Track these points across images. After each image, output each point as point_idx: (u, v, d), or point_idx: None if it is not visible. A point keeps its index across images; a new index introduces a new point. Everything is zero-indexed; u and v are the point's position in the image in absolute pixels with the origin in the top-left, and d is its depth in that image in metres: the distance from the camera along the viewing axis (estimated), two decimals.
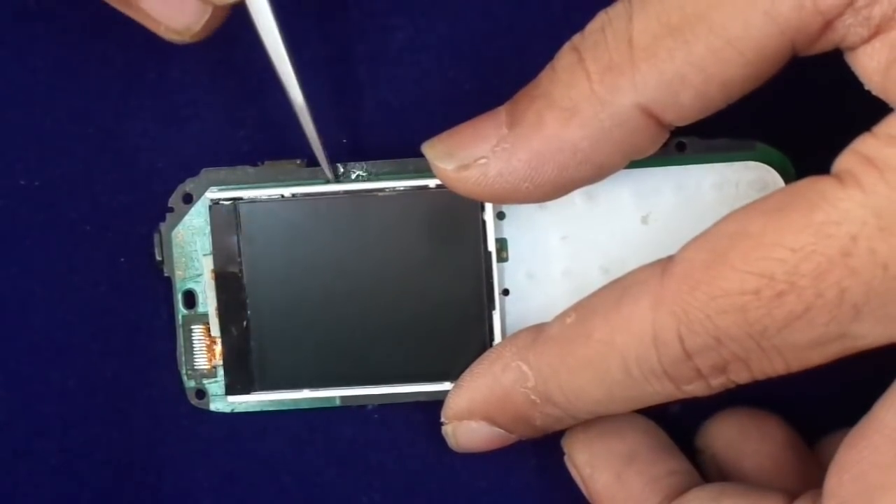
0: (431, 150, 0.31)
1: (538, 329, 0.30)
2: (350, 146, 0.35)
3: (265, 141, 0.35)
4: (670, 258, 0.28)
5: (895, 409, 0.27)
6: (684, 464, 0.32)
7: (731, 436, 0.33)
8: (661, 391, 0.29)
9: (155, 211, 0.35)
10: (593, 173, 0.30)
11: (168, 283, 0.34)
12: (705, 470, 0.33)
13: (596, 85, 0.29)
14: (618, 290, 0.29)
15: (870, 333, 0.27)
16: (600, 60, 0.29)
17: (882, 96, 0.28)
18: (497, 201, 0.32)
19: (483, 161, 0.30)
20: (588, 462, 0.32)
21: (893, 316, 0.26)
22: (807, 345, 0.27)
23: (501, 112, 0.30)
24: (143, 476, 0.34)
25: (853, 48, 0.28)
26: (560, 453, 0.33)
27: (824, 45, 0.28)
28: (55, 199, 0.35)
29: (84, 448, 0.34)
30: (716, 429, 0.33)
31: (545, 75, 0.30)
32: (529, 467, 0.34)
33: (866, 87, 0.28)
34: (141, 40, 0.36)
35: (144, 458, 0.34)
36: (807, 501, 0.29)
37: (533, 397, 0.30)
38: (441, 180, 0.31)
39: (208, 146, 0.35)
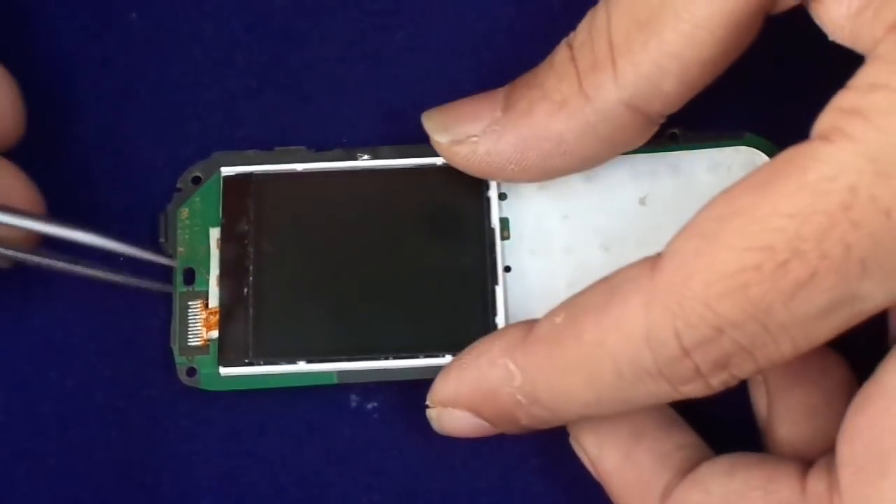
0: (430, 121, 0.33)
1: (528, 326, 0.30)
2: (350, 146, 0.35)
3: (265, 141, 0.35)
4: (659, 253, 0.27)
5: None
6: (693, 437, 0.31)
7: (789, 362, 0.31)
8: (655, 393, 0.28)
9: (155, 210, 0.35)
10: (578, 164, 0.31)
11: (167, 280, 0.34)
12: (753, 393, 0.32)
13: (582, 81, 0.30)
14: (607, 288, 0.28)
15: (877, 292, 0.26)
16: (586, 58, 0.30)
17: (849, 43, 0.27)
18: (485, 177, 0.33)
19: (474, 139, 0.32)
20: (595, 443, 0.31)
21: None
22: (815, 315, 0.26)
23: (500, 94, 0.32)
24: (143, 476, 0.34)
25: None
26: (560, 453, 0.33)
27: None
28: (55, 199, 0.35)
29: (83, 448, 0.34)
30: None
31: (542, 67, 0.32)
32: (530, 467, 0.34)
33: (831, 38, 0.28)
34: (141, 40, 0.36)
35: (144, 458, 0.34)
36: (822, 470, 0.28)
37: (519, 397, 0.29)
38: (436, 150, 0.33)
39: (208, 146, 0.35)
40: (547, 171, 0.32)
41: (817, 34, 0.29)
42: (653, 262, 0.27)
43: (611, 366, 0.28)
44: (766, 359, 0.27)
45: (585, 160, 0.31)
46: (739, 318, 0.26)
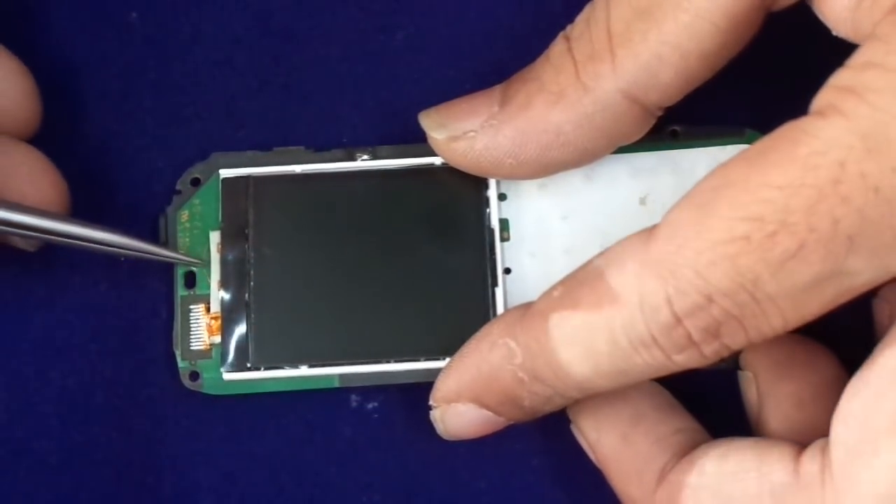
0: (427, 119, 0.33)
1: (526, 305, 0.30)
2: (350, 146, 0.35)
3: (264, 141, 0.35)
4: (655, 225, 0.28)
5: (893, 353, 0.27)
6: (690, 422, 0.32)
7: (778, 357, 0.32)
8: (650, 362, 0.28)
9: (155, 210, 0.35)
10: (577, 156, 0.31)
11: (168, 282, 0.34)
12: (744, 388, 0.32)
13: (580, 72, 0.30)
14: (603, 260, 0.28)
15: (865, 268, 0.26)
16: (584, 50, 0.31)
17: (852, 35, 0.28)
18: (482, 174, 0.33)
19: (472, 134, 0.32)
20: (594, 426, 0.32)
21: (888, 245, 0.26)
22: (802, 288, 0.26)
23: (496, 90, 0.32)
24: (143, 476, 0.34)
25: None
26: (560, 453, 0.34)
27: None
28: None
29: (84, 448, 0.34)
30: (764, 348, 0.32)
31: (539, 61, 0.32)
32: (530, 467, 0.34)
33: (834, 33, 0.28)
34: (141, 40, 0.36)
35: (144, 457, 0.34)
36: (816, 451, 0.28)
37: (520, 375, 0.30)
38: (433, 149, 0.33)
39: (208, 146, 0.35)
40: (545, 165, 0.32)
41: (818, 29, 0.29)
42: (648, 232, 0.28)
43: (606, 334, 0.28)
44: (755, 330, 0.27)
45: (584, 153, 0.31)
46: (728, 286, 0.26)
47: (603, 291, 0.28)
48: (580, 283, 0.29)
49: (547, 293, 0.30)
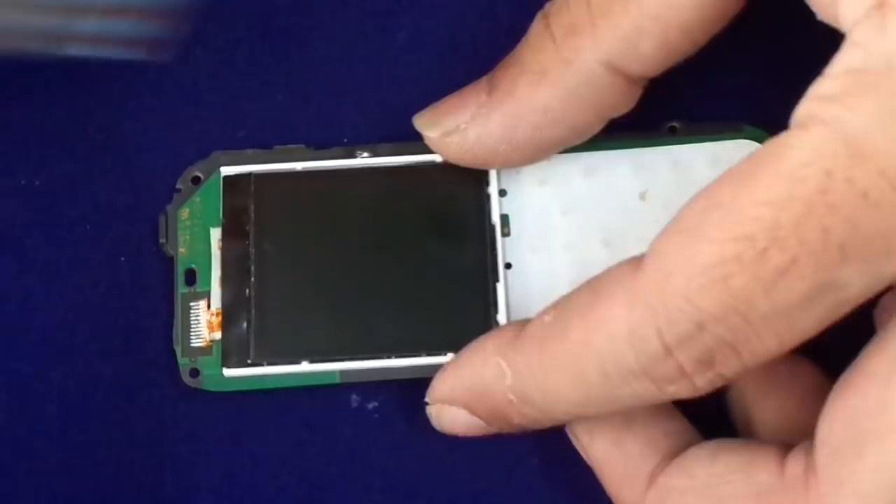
0: (420, 120, 0.33)
1: (521, 325, 0.30)
2: (350, 146, 0.35)
3: (265, 141, 0.35)
4: (643, 253, 0.27)
5: (880, 356, 0.27)
6: (682, 424, 0.32)
7: (762, 372, 0.31)
8: (641, 393, 0.28)
9: (155, 210, 0.35)
10: (568, 133, 0.32)
11: (168, 282, 0.34)
12: (731, 406, 0.32)
13: (560, 47, 0.31)
14: (593, 288, 0.28)
15: (858, 278, 0.26)
16: (563, 24, 0.31)
17: (833, 21, 0.27)
18: (479, 165, 0.33)
19: (464, 127, 0.32)
20: (587, 429, 0.32)
21: (879, 252, 0.25)
22: (796, 305, 0.26)
23: (483, 81, 0.33)
24: (143, 476, 0.34)
25: None
26: (560, 453, 0.33)
27: None
28: (55, 199, 0.35)
29: (84, 448, 0.34)
30: None
31: (520, 45, 0.32)
32: (530, 467, 0.34)
33: (818, 18, 0.28)
34: None
35: (144, 458, 0.34)
36: (800, 453, 0.28)
37: (511, 396, 0.30)
38: (430, 147, 0.33)
39: (208, 146, 0.35)
40: (540, 146, 0.32)
41: (817, 25, 0.29)
42: (637, 261, 0.27)
43: (596, 365, 0.28)
44: (751, 355, 0.27)
45: (575, 129, 0.32)
46: (720, 311, 0.26)
47: (592, 323, 0.28)
48: (571, 312, 0.29)
49: (539, 317, 0.30)
